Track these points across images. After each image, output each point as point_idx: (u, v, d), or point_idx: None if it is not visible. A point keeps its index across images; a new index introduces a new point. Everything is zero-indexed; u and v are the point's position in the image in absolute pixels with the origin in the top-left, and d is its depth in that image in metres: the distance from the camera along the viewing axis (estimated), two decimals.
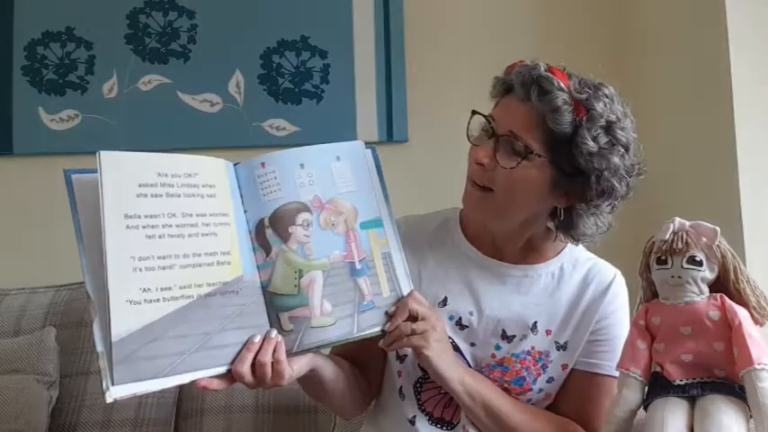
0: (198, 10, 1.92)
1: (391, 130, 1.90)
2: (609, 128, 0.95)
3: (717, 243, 0.88)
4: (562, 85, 0.94)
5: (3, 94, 1.89)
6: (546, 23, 1.92)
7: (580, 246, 1.12)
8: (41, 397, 1.43)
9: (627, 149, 0.97)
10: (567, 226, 1.02)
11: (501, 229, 1.06)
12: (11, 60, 1.89)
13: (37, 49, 1.90)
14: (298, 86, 1.92)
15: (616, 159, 0.95)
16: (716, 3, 1.46)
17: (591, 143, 0.94)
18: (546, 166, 0.97)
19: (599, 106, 0.95)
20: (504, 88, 1.01)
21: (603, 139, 0.95)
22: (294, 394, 1.48)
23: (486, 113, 1.02)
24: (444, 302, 1.08)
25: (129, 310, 0.81)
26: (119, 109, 1.90)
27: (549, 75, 0.95)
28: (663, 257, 0.89)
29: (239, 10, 1.91)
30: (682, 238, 0.88)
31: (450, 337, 1.05)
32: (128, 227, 0.84)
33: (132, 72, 1.90)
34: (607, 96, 0.97)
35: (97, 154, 0.85)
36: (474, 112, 1.02)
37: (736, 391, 0.85)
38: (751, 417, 0.83)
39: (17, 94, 1.89)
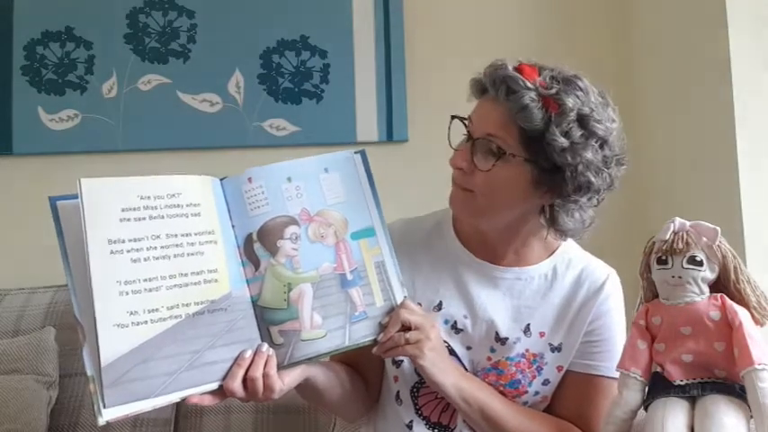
0: (197, 10, 1.91)
1: (391, 130, 1.90)
2: (582, 121, 0.93)
3: (717, 243, 0.88)
4: (528, 83, 0.93)
5: (2, 94, 1.88)
6: (547, 23, 1.92)
7: (575, 245, 1.12)
8: (41, 397, 1.43)
9: (604, 141, 0.95)
10: (552, 223, 1.00)
11: (490, 229, 1.05)
12: (10, 60, 1.89)
13: (36, 48, 1.90)
14: (298, 86, 1.91)
15: (589, 154, 0.93)
16: (717, 1, 1.46)
17: (561, 139, 0.91)
18: (522, 164, 0.95)
19: (569, 100, 0.92)
20: (478, 90, 1.01)
21: (577, 133, 0.92)
22: (293, 394, 1.47)
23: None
24: (439, 307, 1.07)
25: (117, 334, 0.82)
26: (118, 109, 1.89)
27: (515, 74, 0.94)
28: (663, 257, 0.89)
29: (239, 10, 1.91)
30: (682, 238, 0.88)
31: (446, 342, 1.04)
32: (112, 252, 0.84)
33: (132, 72, 1.90)
34: (580, 89, 0.94)
35: (77, 181, 0.85)
36: (453, 117, 1.02)
37: (736, 391, 0.85)
38: (751, 417, 0.83)
39: (17, 94, 1.88)
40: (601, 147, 0.95)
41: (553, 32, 1.91)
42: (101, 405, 0.81)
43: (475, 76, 1.01)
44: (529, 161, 0.95)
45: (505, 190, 0.97)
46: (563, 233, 1.01)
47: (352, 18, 1.92)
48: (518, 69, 0.95)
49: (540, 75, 0.95)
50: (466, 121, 1.01)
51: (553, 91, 0.93)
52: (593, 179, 0.94)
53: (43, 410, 1.42)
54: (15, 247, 1.86)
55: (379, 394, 1.14)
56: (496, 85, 0.95)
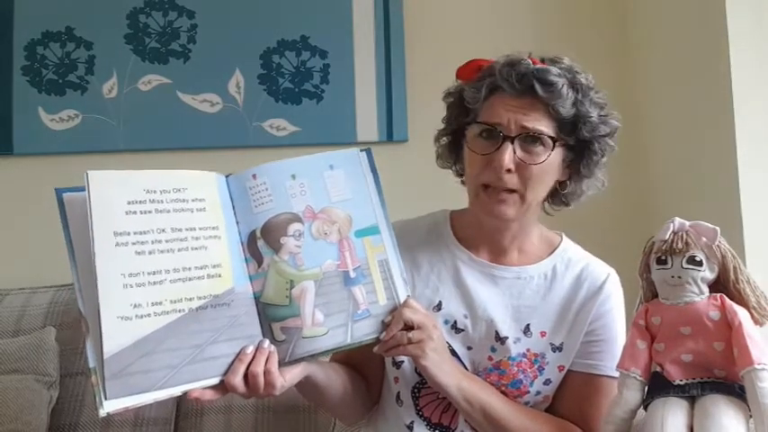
0: (198, 10, 1.91)
1: (391, 130, 1.90)
2: (591, 95, 1.01)
3: (717, 243, 0.88)
4: (557, 71, 0.99)
5: (3, 94, 1.88)
6: (547, 23, 1.92)
7: (574, 245, 1.12)
8: (41, 397, 1.43)
9: (605, 106, 1.03)
10: (573, 194, 1.07)
11: (518, 223, 1.06)
12: (11, 60, 1.89)
13: (37, 49, 1.90)
14: (298, 86, 1.91)
15: (613, 121, 1.03)
16: (716, 1, 1.46)
17: (593, 114, 1.00)
18: (559, 148, 1.01)
19: (581, 78, 1.01)
20: (488, 91, 1.01)
21: (593, 106, 1.01)
22: (294, 394, 1.46)
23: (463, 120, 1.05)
24: (439, 307, 1.07)
25: (120, 327, 0.82)
26: (119, 109, 1.89)
27: (542, 66, 0.99)
28: (663, 257, 0.89)
29: (239, 10, 1.91)
30: (682, 237, 0.88)
31: (446, 342, 1.04)
32: (117, 244, 0.84)
33: (132, 72, 1.90)
34: (575, 68, 1.02)
35: (85, 174, 0.85)
36: (472, 123, 1.03)
37: (736, 391, 0.85)
38: (751, 417, 0.83)
39: (17, 94, 1.89)
40: (610, 113, 1.04)
41: (553, 33, 1.91)
42: (102, 397, 0.82)
43: (478, 80, 1.02)
44: (563, 144, 1.02)
45: (549, 177, 1.03)
46: (574, 201, 1.08)
47: (352, 18, 1.92)
48: (535, 63, 1.00)
49: (544, 63, 1.01)
50: (493, 125, 1.00)
51: (570, 75, 1.00)
52: (610, 143, 1.05)
53: (44, 410, 1.42)
54: (15, 247, 1.86)
55: (380, 395, 1.14)
56: (523, 81, 0.98)
